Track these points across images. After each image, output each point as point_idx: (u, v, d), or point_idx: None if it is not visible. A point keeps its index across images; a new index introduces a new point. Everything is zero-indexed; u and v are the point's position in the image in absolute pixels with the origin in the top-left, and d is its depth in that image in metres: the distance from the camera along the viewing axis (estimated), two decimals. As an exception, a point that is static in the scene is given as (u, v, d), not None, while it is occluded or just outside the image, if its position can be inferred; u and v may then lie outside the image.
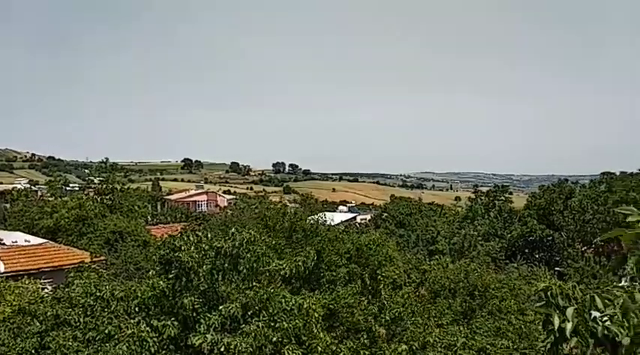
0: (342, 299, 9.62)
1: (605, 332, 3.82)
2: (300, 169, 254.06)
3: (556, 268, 32.77)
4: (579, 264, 29.17)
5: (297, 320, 7.67)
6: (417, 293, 13.15)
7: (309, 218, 17.47)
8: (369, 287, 10.82)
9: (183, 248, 9.44)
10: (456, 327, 11.06)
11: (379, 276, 11.08)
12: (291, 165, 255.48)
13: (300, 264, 8.90)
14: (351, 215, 73.03)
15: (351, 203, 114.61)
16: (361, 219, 64.14)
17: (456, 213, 53.64)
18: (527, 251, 39.38)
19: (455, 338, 9.76)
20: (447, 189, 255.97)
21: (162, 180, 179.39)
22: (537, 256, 39.07)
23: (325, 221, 17.31)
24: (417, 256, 18.93)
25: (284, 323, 7.66)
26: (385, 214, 50.10)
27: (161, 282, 9.25)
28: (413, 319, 9.99)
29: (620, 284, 4.03)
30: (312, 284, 10.87)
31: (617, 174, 38.41)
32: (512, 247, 38.98)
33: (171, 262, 9.74)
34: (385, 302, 10.20)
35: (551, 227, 37.53)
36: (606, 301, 3.80)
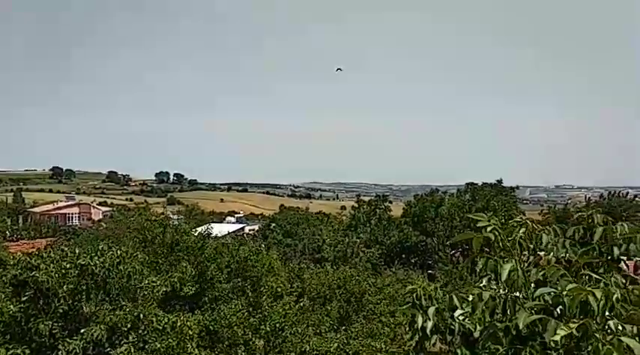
0: (224, 319, 9.30)
1: (461, 328, 4.13)
2: (186, 179, 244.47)
3: (428, 271, 35.52)
4: (448, 267, 31.90)
5: (169, 340, 7.20)
6: (299, 302, 13.27)
7: (194, 230, 16.73)
8: (251, 300, 10.60)
9: (41, 266, 8.42)
10: (333, 334, 11.34)
11: (261, 288, 10.92)
12: (176, 175, 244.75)
13: (176, 281, 8.40)
14: (239, 226, 72.03)
15: (240, 214, 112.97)
16: (250, 230, 63.57)
17: (340, 222, 55.58)
18: (403, 256, 42.15)
19: (330, 345, 9.99)
20: (334, 199, 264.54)
21: (26, 190, 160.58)
22: (413, 261, 42.03)
23: (210, 233, 16.68)
24: (300, 265, 19.17)
25: (156, 343, 7.14)
26: (273, 224, 50.22)
27: (12, 306, 8.13)
28: (293, 329, 10.01)
29: (480, 284, 4.36)
30: (192, 303, 10.35)
31: (480, 184, 42.98)
32: (390, 253, 41.42)
33: (26, 283, 8.63)
34: (266, 314, 10.08)
35: (424, 233, 40.59)
36: (463, 300, 4.10)
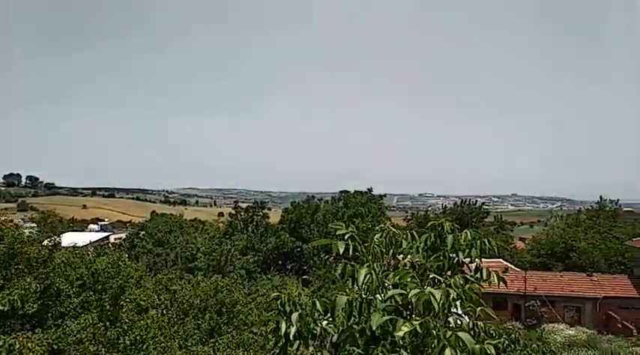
0: (70, 335, 8.38)
1: (322, 332, 4.26)
2: (42, 182, 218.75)
3: (303, 276, 36.36)
4: (321, 272, 33.01)
5: (8, 365, 6.32)
6: (166, 315, 12.58)
7: (46, 241, 14.97)
8: (108, 314, 9.75)
9: None
10: (200, 347, 10.96)
11: (121, 301, 10.10)
12: (29, 178, 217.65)
13: (15, 298, 7.40)
14: (103, 234, 66.74)
15: (105, 221, 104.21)
16: (116, 239, 59.21)
17: (217, 229, 54.33)
18: (280, 262, 42.60)
19: None
20: (211, 205, 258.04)
21: None
22: (289, 266, 42.67)
23: (59, 243, 15.03)
24: (170, 276, 18.21)
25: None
26: (142, 232, 47.21)
27: None
28: (154, 342, 9.43)
29: (345, 288, 4.52)
30: (34, 321, 9.15)
31: (352, 192, 45.35)
32: (267, 259, 41.58)
33: None
34: (125, 327, 9.35)
35: (300, 239, 41.49)
36: (325, 304, 4.24)
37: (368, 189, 45.81)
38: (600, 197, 54.42)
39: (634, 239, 37.20)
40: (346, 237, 4.23)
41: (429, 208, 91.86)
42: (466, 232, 4.51)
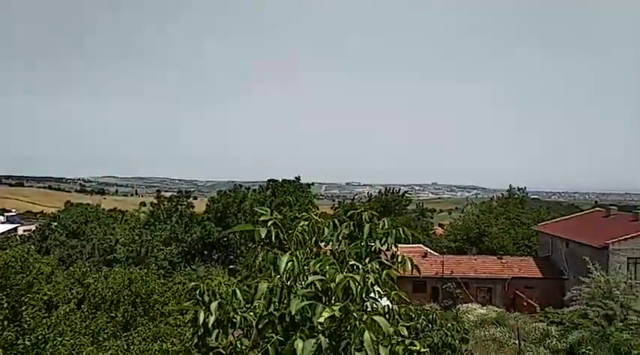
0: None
1: (243, 320, 4.24)
2: None
3: (230, 266, 35.92)
4: (249, 260, 32.80)
5: None
6: (79, 310, 11.85)
7: None
8: (7, 312, 8.97)
9: None
10: (113, 340, 10.47)
11: (26, 298, 9.34)
12: None
13: None
14: (10, 226, 61.97)
15: (12, 212, 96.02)
16: (24, 231, 55.32)
17: (137, 220, 52.03)
18: (206, 252, 41.72)
19: (105, 353, 9.19)
20: (132, 195, 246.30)
21: None
22: (215, 257, 41.92)
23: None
24: (83, 269, 17.14)
25: None
26: (55, 223, 44.13)
27: None
28: (61, 340, 8.85)
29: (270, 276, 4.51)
30: None
31: (280, 181, 45.32)
32: (192, 250, 40.55)
33: None
34: (26, 327, 8.67)
35: (227, 228, 40.87)
36: (246, 292, 4.21)
37: (296, 178, 46.02)
38: (510, 186, 58.75)
39: (539, 224, 40.65)
40: (269, 223, 4.22)
41: (356, 196, 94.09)
42: (383, 221, 4.67)
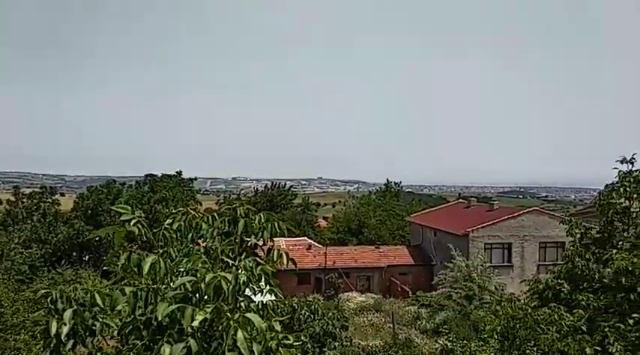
0: None
1: (104, 327, 3.91)
2: None
3: (104, 267, 33.25)
4: (124, 262, 30.57)
5: None
6: None
7: None
8: None
9: None
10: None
11: None
12: None
13: None
14: None
15: None
16: None
17: (-10, 219, 45.62)
18: (74, 254, 38.11)
19: None
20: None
21: None
22: (86, 258, 38.48)
23: None
24: None
25: None
26: None
27: None
28: None
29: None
30: None
31: (160, 175, 42.96)
32: (58, 252, 36.77)
33: None
34: None
35: (98, 227, 37.72)
36: (106, 297, 3.87)
37: (177, 173, 44.05)
38: (387, 180, 62.69)
39: (411, 215, 43.94)
40: (132, 222, 3.93)
41: (242, 191, 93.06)
42: (259, 216, 4.62)
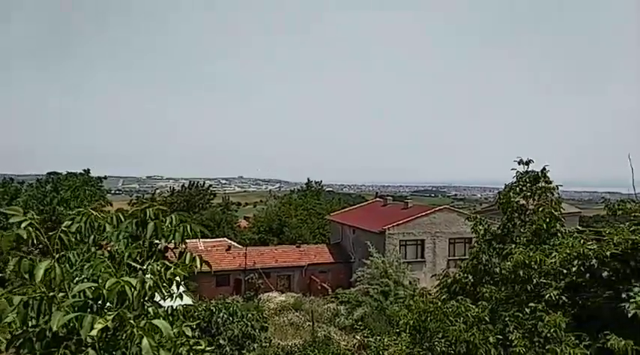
0: None
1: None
2: None
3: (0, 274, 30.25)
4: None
5: None
6: None
7: None
8: None
9: None
10: None
11: None
12: None
13: None
14: None
15: None
16: None
17: None
18: (-36, 261, 34.31)
19: None
20: None
21: None
22: (-23, 265, 34.81)
23: None
24: None
25: None
26: None
27: None
28: None
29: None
30: None
31: (64, 173, 39.81)
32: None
33: None
34: None
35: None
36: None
37: (85, 171, 41.13)
38: (308, 179, 63.28)
39: (331, 214, 44.69)
40: (23, 225, 3.57)
41: (157, 191, 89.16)
42: (171, 217, 4.41)
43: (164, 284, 3.80)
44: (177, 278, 4.14)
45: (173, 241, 4.44)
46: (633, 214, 7.77)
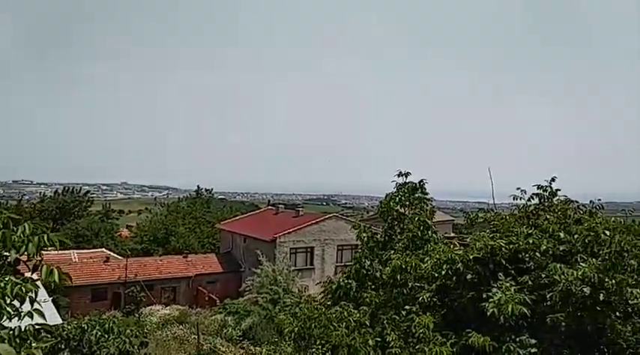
0: None
1: None
2: None
3: None
4: None
5: None
6: None
7: None
8: None
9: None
10: None
11: None
12: None
13: None
14: None
15: None
16: None
17: None
18: None
19: None
20: None
21: None
22: None
23: None
24: None
25: None
26: None
27: None
28: None
29: None
30: None
31: None
32: None
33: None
34: None
35: None
36: None
37: None
38: (198, 187, 61.26)
39: (221, 222, 43.69)
40: None
41: (24, 197, 79.88)
42: (23, 226, 3.94)
43: (11, 301, 3.36)
44: (31, 294, 3.71)
45: (26, 253, 3.96)
46: (492, 222, 8.66)
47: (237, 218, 44.52)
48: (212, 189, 63.34)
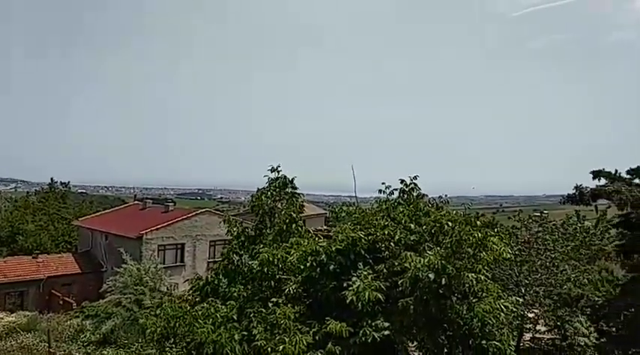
0: None
1: None
2: None
3: None
4: None
5: None
6: None
7: None
8: None
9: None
10: None
11: None
12: None
13: None
14: None
15: None
16: None
17: None
18: None
19: None
20: None
21: None
22: None
23: None
24: None
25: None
26: None
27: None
28: None
29: None
30: None
31: None
32: None
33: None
34: None
35: None
36: None
37: None
38: (52, 179, 55.04)
39: (80, 219, 39.93)
40: None
41: None
42: None
43: None
44: None
45: None
46: (354, 215, 9.22)
47: (100, 213, 41.09)
48: (69, 182, 57.43)
